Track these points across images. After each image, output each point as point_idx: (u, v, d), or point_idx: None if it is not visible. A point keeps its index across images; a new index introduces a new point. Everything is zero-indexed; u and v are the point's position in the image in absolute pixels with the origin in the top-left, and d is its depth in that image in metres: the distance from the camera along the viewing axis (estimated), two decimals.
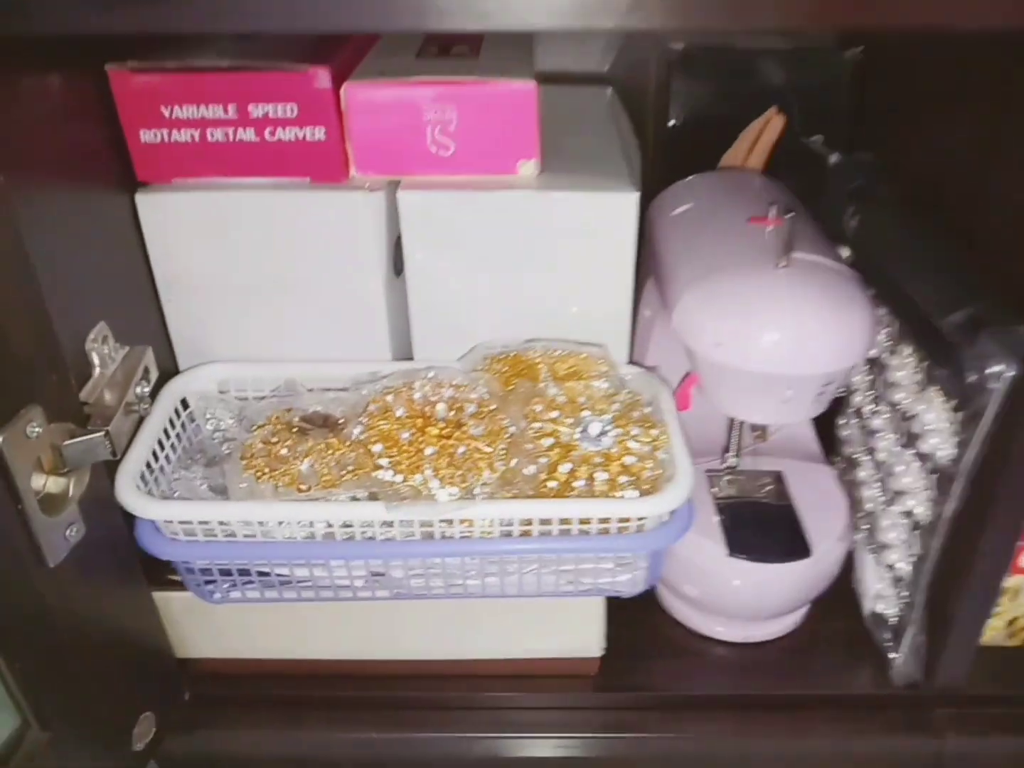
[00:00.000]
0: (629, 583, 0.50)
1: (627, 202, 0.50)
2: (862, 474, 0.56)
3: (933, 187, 0.54)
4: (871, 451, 0.54)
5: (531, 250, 0.52)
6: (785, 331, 0.46)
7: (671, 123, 0.68)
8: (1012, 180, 0.46)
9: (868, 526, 0.55)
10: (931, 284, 0.47)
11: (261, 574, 0.48)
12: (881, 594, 0.54)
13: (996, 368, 0.43)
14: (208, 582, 0.49)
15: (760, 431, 0.55)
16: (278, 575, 0.48)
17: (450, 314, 0.54)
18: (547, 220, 0.51)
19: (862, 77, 0.66)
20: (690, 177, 0.61)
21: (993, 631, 0.55)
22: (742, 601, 0.54)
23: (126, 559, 0.48)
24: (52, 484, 0.42)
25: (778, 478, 0.57)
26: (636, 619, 0.57)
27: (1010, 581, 0.53)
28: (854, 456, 0.57)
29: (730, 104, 0.68)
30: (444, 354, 0.54)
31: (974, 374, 0.43)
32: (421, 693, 0.55)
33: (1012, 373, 0.43)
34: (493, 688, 0.55)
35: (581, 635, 0.54)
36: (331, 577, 0.48)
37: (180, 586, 0.50)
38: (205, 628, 0.53)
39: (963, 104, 0.53)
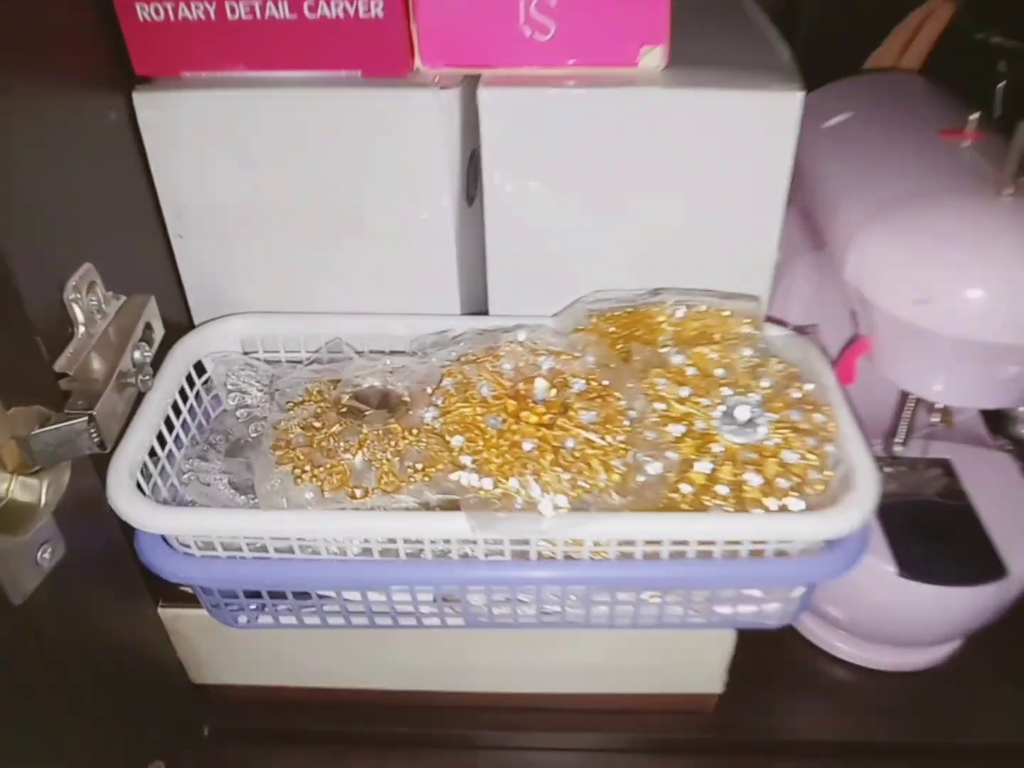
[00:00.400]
0: (778, 615, 0.38)
1: (788, 104, 0.37)
2: None
3: None
4: None
5: (652, 167, 0.39)
6: (1018, 284, 0.33)
7: (805, 16, 0.54)
8: None
9: None
10: None
11: (299, 595, 0.37)
12: None
13: None
14: (232, 608, 0.38)
15: (945, 414, 0.43)
16: (320, 595, 0.37)
17: (539, 254, 0.41)
18: (677, 127, 0.38)
19: None
20: (838, 82, 0.48)
21: None
22: (908, 627, 0.43)
23: (124, 575, 0.37)
24: (17, 489, 0.30)
25: (947, 469, 0.45)
26: (763, 643, 0.45)
27: None
28: None
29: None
30: (529, 308, 0.42)
31: None
32: (497, 731, 0.45)
33: None
34: (585, 727, 0.45)
35: (701, 670, 0.43)
36: (391, 602, 0.37)
37: (195, 601, 0.39)
38: (226, 650, 0.43)
39: None
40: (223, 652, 0.43)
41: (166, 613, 0.41)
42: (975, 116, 0.39)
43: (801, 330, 0.41)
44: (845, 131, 0.43)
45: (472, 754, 0.45)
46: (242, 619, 0.38)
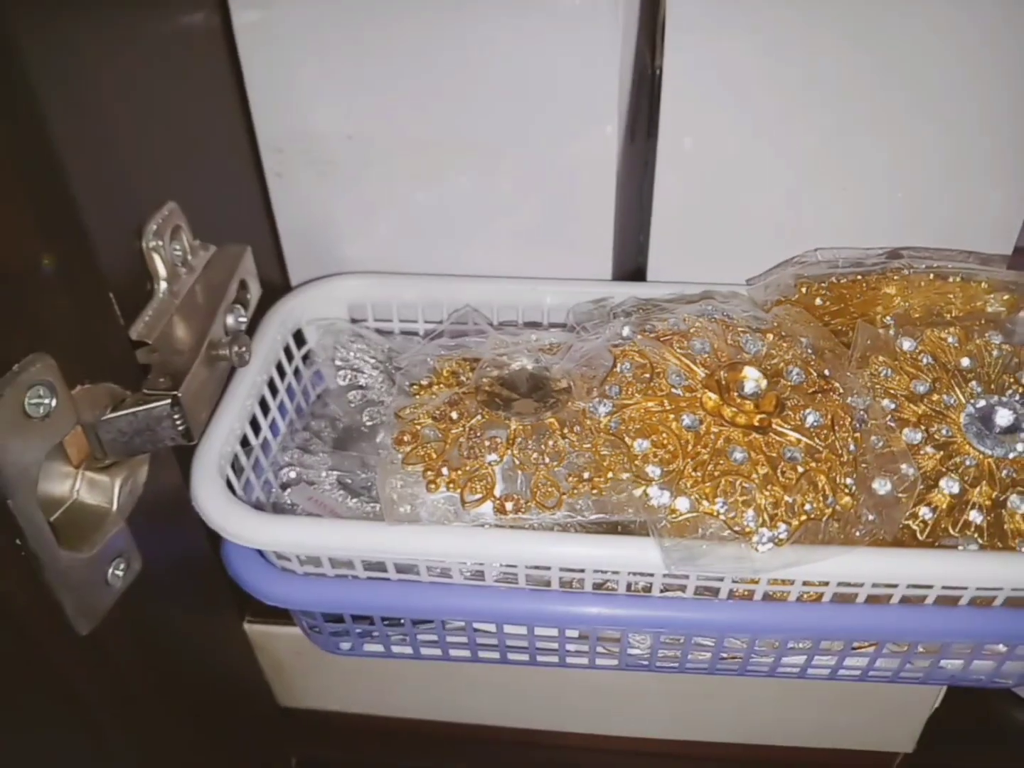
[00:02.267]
0: (1021, 672, 0.30)
1: None
2: None
3: None
4: None
5: (893, 83, 0.30)
6: None
7: None
8: None
9: None
10: None
11: (416, 621, 0.30)
12: None
13: None
14: (336, 632, 0.31)
15: None
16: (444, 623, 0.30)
17: (724, 205, 0.33)
18: (931, 28, 0.29)
19: None
20: None
21: None
22: None
23: (208, 588, 0.30)
24: (84, 489, 0.24)
25: None
26: (963, 693, 0.37)
27: None
28: None
29: None
30: (699, 274, 0.33)
31: None
32: None
33: None
34: None
35: (893, 727, 0.35)
36: (532, 636, 0.29)
37: (287, 617, 0.32)
38: (320, 672, 0.36)
39: None
40: (316, 674, 0.36)
41: (253, 629, 0.34)
42: None
43: None
44: None
45: None
46: (345, 645, 0.31)
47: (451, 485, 0.27)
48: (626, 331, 0.29)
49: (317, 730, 0.38)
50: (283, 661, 0.36)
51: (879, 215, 0.32)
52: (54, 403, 0.22)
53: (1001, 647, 0.29)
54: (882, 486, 0.28)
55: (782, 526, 0.25)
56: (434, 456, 0.27)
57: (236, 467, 0.29)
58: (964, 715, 0.37)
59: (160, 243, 0.27)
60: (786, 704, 0.35)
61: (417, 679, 0.37)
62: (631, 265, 0.36)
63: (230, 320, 0.28)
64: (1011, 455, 0.28)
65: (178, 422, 0.25)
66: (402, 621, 0.30)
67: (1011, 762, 0.37)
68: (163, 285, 0.28)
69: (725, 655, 0.30)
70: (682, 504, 0.25)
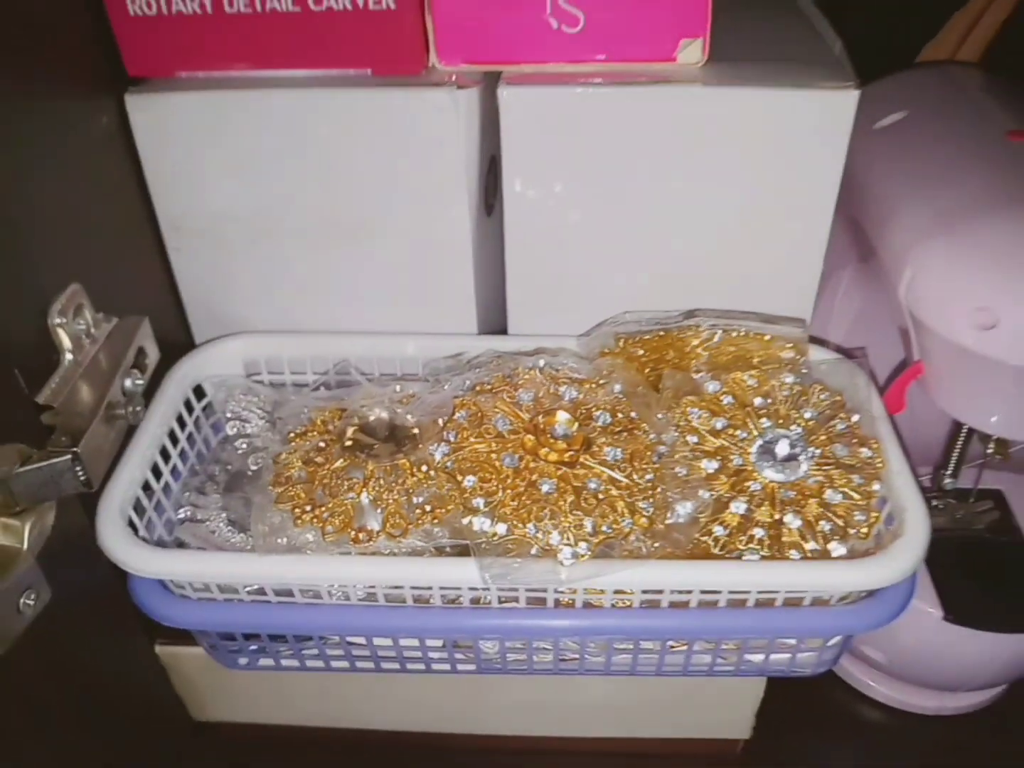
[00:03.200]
0: (813, 663, 0.35)
1: (842, 103, 0.33)
2: None
3: None
4: None
5: (690, 173, 0.36)
6: None
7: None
8: None
9: None
10: None
11: (301, 636, 0.35)
12: None
13: None
14: (232, 651, 0.36)
15: (1001, 445, 0.39)
16: (323, 638, 0.35)
17: (563, 270, 0.38)
18: (718, 129, 0.35)
19: None
20: (890, 76, 0.44)
21: None
22: (951, 672, 0.40)
23: (117, 615, 0.35)
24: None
25: (999, 501, 0.42)
26: (795, 685, 0.42)
27: None
28: None
29: None
30: (552, 327, 0.39)
31: None
32: None
33: None
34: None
35: (727, 715, 0.40)
36: (398, 647, 0.34)
37: (193, 639, 0.37)
38: (229, 687, 0.41)
39: None
40: (225, 689, 0.41)
41: (164, 651, 0.39)
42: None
43: (847, 353, 0.38)
44: (899, 132, 0.40)
45: None
46: (242, 660, 0.36)
47: (315, 520, 0.32)
48: (467, 383, 0.34)
49: (229, 742, 0.43)
50: (193, 679, 0.40)
51: (682, 280, 0.38)
52: None
53: (792, 641, 0.35)
54: (683, 508, 0.33)
55: (583, 544, 0.30)
56: (303, 496, 0.32)
57: (139, 509, 0.34)
58: (792, 701, 0.42)
59: (64, 320, 0.32)
60: (632, 699, 0.40)
61: (319, 691, 0.41)
62: (495, 324, 0.41)
63: (128, 383, 0.33)
64: (790, 480, 0.33)
65: (79, 474, 0.30)
66: (286, 638, 0.35)
67: (836, 739, 0.43)
68: (68, 356, 0.32)
69: (564, 658, 0.35)
70: (500, 528, 0.30)
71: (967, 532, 0.41)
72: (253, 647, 0.35)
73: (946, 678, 0.40)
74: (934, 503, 0.42)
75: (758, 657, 0.35)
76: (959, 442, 0.39)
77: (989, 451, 0.39)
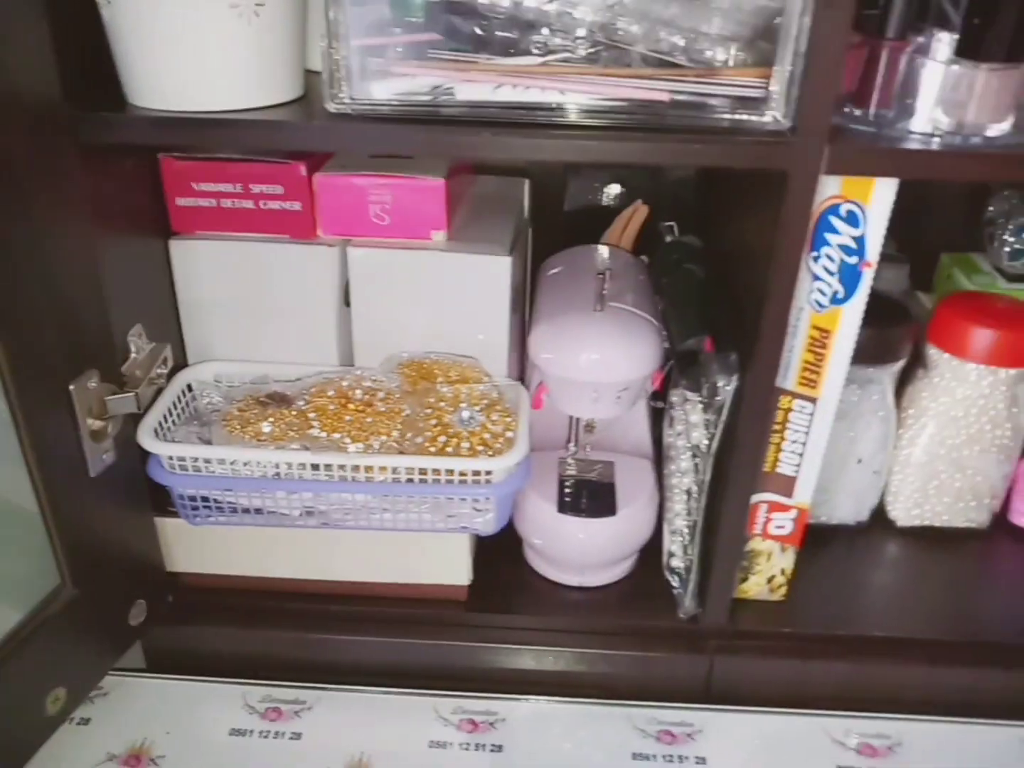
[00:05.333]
0: (483, 523, 0.71)
1: (501, 264, 0.73)
2: (668, 464, 0.77)
3: (721, 262, 0.77)
4: (669, 446, 0.76)
5: (438, 293, 0.74)
6: (591, 352, 0.68)
7: (567, 208, 0.92)
8: (748, 268, 0.68)
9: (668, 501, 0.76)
10: (683, 323, 0.69)
11: (231, 510, 0.70)
12: (673, 551, 0.75)
13: (722, 381, 0.64)
14: (193, 508, 0.71)
15: (589, 425, 0.77)
16: (241, 507, 0.70)
17: (382, 334, 0.77)
18: (448, 273, 0.74)
19: (703, 184, 0.90)
20: (570, 248, 0.84)
21: (758, 587, 0.76)
22: (569, 549, 0.75)
23: (139, 487, 0.70)
24: (98, 424, 0.64)
25: (609, 465, 0.79)
26: (503, 568, 0.78)
27: (763, 545, 0.73)
28: (667, 451, 0.79)
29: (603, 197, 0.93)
30: (372, 362, 0.77)
31: (709, 385, 0.65)
32: (341, 607, 0.76)
33: (732, 385, 0.64)
34: (392, 605, 0.76)
35: (453, 565, 0.75)
36: (277, 507, 0.70)
37: (175, 515, 0.72)
38: (188, 549, 0.76)
39: (741, 212, 0.75)
40: (185, 550, 0.75)
41: (156, 521, 0.74)
42: (608, 270, 0.75)
43: (516, 380, 0.76)
44: (554, 276, 0.80)
45: (324, 621, 0.76)
46: (198, 519, 0.71)
47: (242, 434, 0.68)
48: (320, 379, 0.71)
49: (185, 584, 0.77)
50: (169, 539, 0.75)
51: (436, 342, 0.76)
52: (95, 386, 0.63)
53: (468, 508, 0.71)
54: (418, 440, 0.70)
55: (360, 444, 0.67)
56: (236, 425, 0.69)
57: (158, 433, 0.70)
58: (504, 576, 0.77)
59: (134, 339, 0.69)
60: (399, 553, 0.75)
61: (244, 552, 0.76)
62: (349, 362, 0.79)
63: (158, 371, 0.70)
64: (468, 428, 0.70)
65: (135, 403, 0.66)
66: (222, 503, 0.70)
67: (531, 601, 0.77)
68: (133, 354, 0.69)
69: (360, 517, 0.70)
70: (323, 435, 0.67)
71: (585, 478, 0.77)
72: (206, 510, 0.71)
73: (570, 554, 0.76)
74: (570, 462, 0.78)
75: (455, 519, 0.70)
76: (571, 425, 0.77)
77: (587, 427, 0.77)
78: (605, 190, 0.93)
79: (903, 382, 0.83)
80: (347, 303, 0.77)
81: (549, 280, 0.79)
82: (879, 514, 0.86)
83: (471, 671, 0.76)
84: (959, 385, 0.78)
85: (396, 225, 0.74)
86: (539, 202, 0.91)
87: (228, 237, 0.75)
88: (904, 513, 0.84)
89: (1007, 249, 0.87)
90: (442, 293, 0.74)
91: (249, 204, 0.74)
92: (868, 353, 0.75)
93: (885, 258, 0.87)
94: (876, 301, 0.79)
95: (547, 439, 0.80)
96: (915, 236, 0.93)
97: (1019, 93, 0.56)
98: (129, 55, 0.59)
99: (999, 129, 0.56)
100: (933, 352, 0.79)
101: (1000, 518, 0.86)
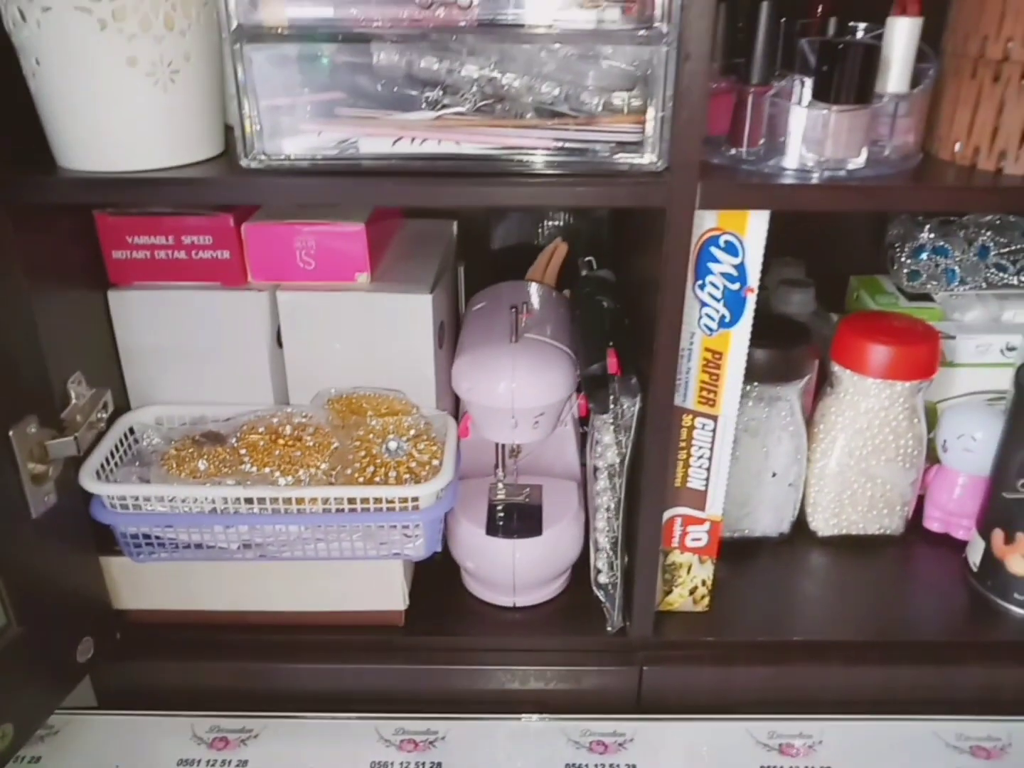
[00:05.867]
0: (414, 549, 0.74)
1: (423, 301, 0.77)
2: (591, 484, 0.81)
3: (630, 293, 0.81)
4: (591, 467, 0.80)
5: (365, 331, 0.79)
6: (507, 381, 0.73)
7: (495, 247, 0.97)
8: (646, 297, 0.73)
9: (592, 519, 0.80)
10: (589, 350, 0.73)
11: (172, 545, 0.74)
12: (599, 568, 0.78)
13: (627, 403, 0.69)
14: (136, 546, 0.74)
15: (514, 450, 0.81)
16: (182, 543, 0.73)
17: (315, 373, 0.81)
18: (373, 312, 0.78)
19: (616, 221, 0.95)
20: (495, 284, 0.89)
21: (682, 599, 0.79)
22: (499, 570, 0.78)
23: (83, 527, 0.74)
24: (40, 467, 0.68)
25: (538, 489, 0.83)
26: (442, 592, 0.82)
27: (682, 558, 0.77)
28: (589, 472, 0.83)
29: (530, 236, 0.98)
30: (304, 400, 0.81)
31: (616, 407, 0.70)
32: (283, 636, 0.79)
33: (636, 406, 0.69)
34: (332, 632, 0.79)
35: (389, 591, 0.78)
36: (216, 541, 0.73)
37: (120, 553, 0.75)
38: (133, 586, 0.78)
39: (641, 246, 0.80)
40: (131, 588, 0.78)
41: (102, 560, 0.77)
42: (525, 303, 0.79)
43: (457, 410, 0.80)
44: (478, 311, 0.84)
45: (264, 650, 0.79)
46: (141, 556, 0.74)
47: (179, 471, 0.72)
48: (252, 416, 0.75)
49: (132, 622, 0.80)
50: (115, 577, 0.78)
51: (365, 378, 0.80)
52: (35, 432, 0.66)
53: (398, 535, 0.74)
54: (348, 471, 0.74)
55: (290, 478, 0.70)
56: (174, 463, 0.72)
57: (100, 475, 0.73)
58: (441, 598, 0.81)
59: (74, 386, 0.73)
60: (335, 582, 0.78)
61: (184, 589, 0.79)
62: (284, 400, 0.83)
63: (97, 415, 0.73)
64: (395, 459, 0.74)
65: (74, 447, 0.70)
66: (163, 541, 0.73)
67: (468, 622, 0.81)
68: (73, 400, 0.73)
69: (296, 548, 0.74)
70: (254, 470, 0.70)
71: (515, 502, 0.81)
72: (148, 547, 0.74)
73: (500, 575, 0.79)
74: (500, 487, 0.82)
75: (387, 545, 0.74)
76: (498, 452, 0.81)
77: (512, 453, 0.81)
78: (530, 229, 0.98)
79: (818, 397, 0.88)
80: (280, 344, 0.81)
81: (473, 315, 0.84)
82: (802, 525, 0.90)
83: (410, 693, 0.79)
84: (862, 399, 0.83)
85: (321, 269, 0.78)
86: (470, 241, 0.96)
87: (164, 286, 0.79)
88: (823, 523, 0.89)
89: (906, 270, 0.92)
90: (369, 331, 0.79)
91: (182, 255, 0.78)
92: (773, 372, 0.80)
93: (791, 283, 0.94)
94: (779, 323, 0.84)
95: (480, 466, 0.84)
96: (827, 260, 0.99)
97: (869, 131, 0.61)
98: (56, 121, 0.63)
99: (855, 163, 0.62)
100: (836, 369, 0.84)
101: (916, 524, 0.90)
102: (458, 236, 0.95)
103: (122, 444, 0.77)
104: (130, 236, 0.77)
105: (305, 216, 0.77)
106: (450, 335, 0.88)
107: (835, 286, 1.00)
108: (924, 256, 0.91)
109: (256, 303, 0.78)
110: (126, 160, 0.63)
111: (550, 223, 0.97)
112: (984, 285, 0.92)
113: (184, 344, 0.80)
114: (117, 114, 0.62)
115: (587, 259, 0.94)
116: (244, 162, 0.62)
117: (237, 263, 0.78)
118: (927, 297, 0.93)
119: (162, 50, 0.60)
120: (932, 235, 0.91)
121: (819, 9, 0.80)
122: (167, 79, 0.61)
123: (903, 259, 0.92)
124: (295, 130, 0.62)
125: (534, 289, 0.88)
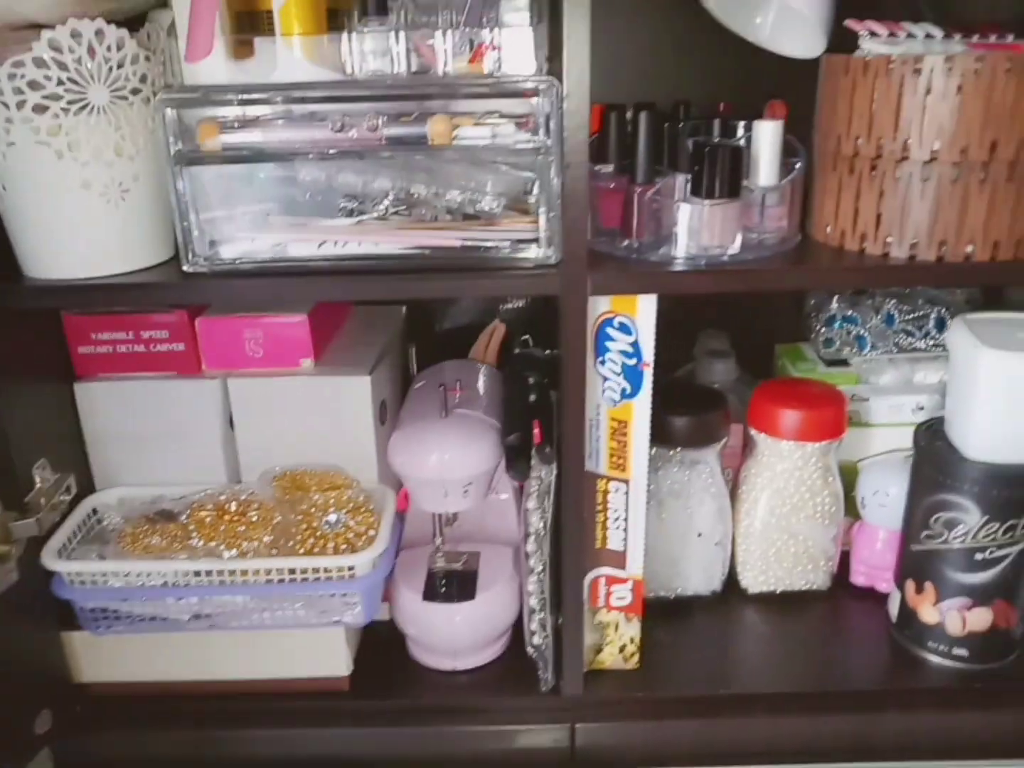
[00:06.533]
0: (353, 616, 0.79)
1: (361, 383, 0.84)
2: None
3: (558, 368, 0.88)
4: (522, 532, 0.85)
5: (311, 412, 0.85)
6: (437, 453, 0.79)
7: (440, 329, 1.05)
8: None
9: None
10: (509, 422, 0.79)
11: (129, 618, 0.79)
12: (533, 629, 0.83)
13: (544, 471, 0.75)
14: (95, 620, 0.79)
15: (450, 519, 0.87)
16: (138, 616, 0.79)
17: (265, 452, 0.87)
18: (316, 394, 0.85)
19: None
20: (437, 364, 0.96)
21: (612, 657, 0.84)
22: (437, 634, 0.83)
23: (44, 603, 0.79)
24: (2, 547, 0.74)
25: (475, 555, 0.88)
26: (387, 658, 0.86)
27: (609, 616, 0.82)
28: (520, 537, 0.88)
29: (477, 317, 1.05)
30: (254, 476, 0.87)
31: (535, 475, 0.75)
32: (236, 704, 0.83)
33: (552, 473, 0.75)
34: (280, 699, 0.83)
35: (332, 658, 0.83)
36: (169, 613, 0.78)
37: (81, 628, 0.80)
38: (93, 659, 0.83)
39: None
40: (92, 658, 0.83)
41: (64, 636, 0.82)
42: (459, 381, 0.86)
43: (383, 484, 0.86)
44: (419, 388, 0.91)
45: (216, 718, 0.83)
46: (100, 629, 0.79)
47: (133, 548, 0.77)
48: (201, 495, 0.81)
49: (93, 693, 0.84)
50: (76, 651, 0.82)
51: (312, 458, 0.86)
52: None
53: (337, 603, 0.79)
54: (290, 544, 0.79)
55: (234, 550, 0.76)
56: (129, 540, 0.78)
57: (62, 554, 0.79)
58: (385, 662, 0.85)
59: (38, 471, 0.79)
60: (280, 650, 0.83)
61: (141, 663, 0.83)
62: (236, 479, 0.89)
63: (61, 498, 0.79)
64: (335, 529, 0.80)
65: (36, 528, 0.75)
66: (120, 615, 0.78)
67: (413, 687, 0.85)
68: (38, 484, 0.79)
69: (242, 619, 0.79)
70: (200, 544, 0.76)
71: (452, 568, 0.86)
72: (107, 621, 0.79)
73: (438, 638, 0.84)
74: (439, 555, 0.87)
75: (328, 613, 0.79)
76: (435, 520, 0.86)
77: (447, 522, 0.86)
78: (474, 311, 1.06)
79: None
80: (232, 427, 0.88)
81: (413, 393, 0.91)
82: (733, 584, 0.95)
83: (356, 756, 0.82)
84: (777, 460, 0.89)
85: (269, 357, 0.85)
86: (423, 323, 1.04)
87: (125, 377, 0.86)
88: (752, 580, 0.93)
89: (822, 338, 0.99)
90: (314, 412, 0.85)
91: (141, 348, 0.85)
92: (691, 437, 0.86)
93: (713, 353, 1.00)
94: (695, 392, 0.91)
95: (423, 536, 0.89)
96: (755, 331, 1.06)
97: (742, 219, 0.69)
98: (21, 236, 0.71)
99: (733, 249, 0.69)
100: (753, 433, 0.90)
101: (843, 579, 0.95)
102: (409, 319, 1.02)
103: (85, 523, 0.83)
104: (94, 332, 0.85)
105: (253, 309, 0.85)
106: (395, 412, 0.94)
107: (764, 354, 1.07)
108: (837, 325, 0.98)
109: (210, 390, 0.85)
110: (84, 268, 0.71)
111: (490, 306, 1.04)
112: (895, 349, 0.98)
113: (145, 430, 0.86)
114: (75, 229, 0.70)
115: (524, 337, 1.01)
116: (186, 267, 0.70)
117: (192, 354, 0.85)
118: (844, 363, 1.00)
119: (113, 173, 0.68)
120: (841, 305, 0.98)
121: (720, 107, 0.89)
122: (118, 197, 0.69)
123: (819, 328, 0.99)
124: (232, 237, 0.70)
125: (470, 367, 0.94)
